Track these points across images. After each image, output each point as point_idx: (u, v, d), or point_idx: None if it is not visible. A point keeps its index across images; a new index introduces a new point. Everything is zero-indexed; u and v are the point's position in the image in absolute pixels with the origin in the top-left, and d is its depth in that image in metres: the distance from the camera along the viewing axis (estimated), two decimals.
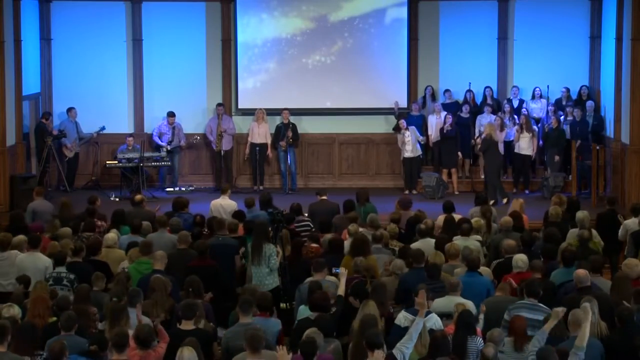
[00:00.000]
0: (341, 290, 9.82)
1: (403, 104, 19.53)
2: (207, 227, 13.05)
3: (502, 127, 18.30)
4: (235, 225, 12.63)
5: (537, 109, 19.19)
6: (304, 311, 9.59)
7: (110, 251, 11.81)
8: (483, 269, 11.08)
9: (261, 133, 19.12)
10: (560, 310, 8.46)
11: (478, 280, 10.44)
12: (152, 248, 11.36)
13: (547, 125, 18.52)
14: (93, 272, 10.67)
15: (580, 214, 12.73)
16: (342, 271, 10.04)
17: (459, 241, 11.92)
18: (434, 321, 9.05)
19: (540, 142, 18.72)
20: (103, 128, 19.22)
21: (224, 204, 14.36)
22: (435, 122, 18.80)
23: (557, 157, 18.31)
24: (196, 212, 13.95)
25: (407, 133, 18.46)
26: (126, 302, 9.22)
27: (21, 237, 11.95)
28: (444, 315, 9.38)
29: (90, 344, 8.47)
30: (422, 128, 19.03)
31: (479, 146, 18.01)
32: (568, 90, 19.12)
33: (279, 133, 19.02)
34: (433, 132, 18.82)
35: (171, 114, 19.09)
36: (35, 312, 9.28)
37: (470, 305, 9.58)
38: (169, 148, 18.92)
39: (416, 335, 8.20)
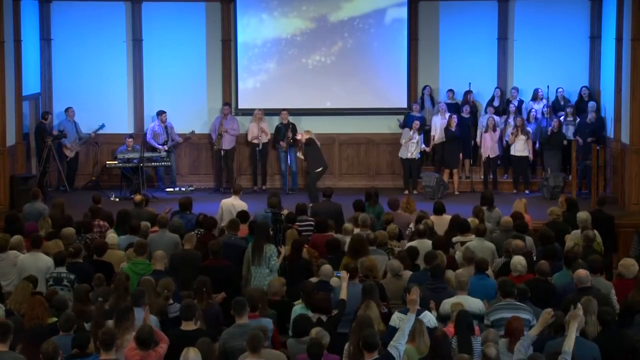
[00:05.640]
0: (343, 294, 9.81)
1: (403, 104, 19.53)
2: (205, 226, 12.89)
3: (494, 128, 18.36)
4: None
5: (540, 109, 19.16)
6: (300, 312, 9.58)
7: (111, 252, 11.75)
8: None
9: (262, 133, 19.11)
10: (549, 312, 8.25)
11: (487, 283, 10.45)
12: (147, 248, 11.35)
13: (551, 129, 18.45)
14: (94, 272, 10.68)
15: (582, 215, 12.67)
16: (343, 275, 10.02)
17: (475, 242, 11.87)
18: (428, 319, 9.04)
19: (537, 145, 18.72)
20: (102, 126, 19.18)
21: (236, 204, 14.23)
22: (440, 122, 18.75)
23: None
24: (199, 212, 13.83)
25: (417, 136, 18.43)
26: (130, 303, 9.18)
27: (19, 238, 11.94)
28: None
29: (76, 345, 8.43)
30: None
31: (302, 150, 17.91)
32: (563, 90, 19.14)
33: (279, 133, 19.01)
34: (437, 133, 18.77)
35: (162, 112, 19.03)
36: (34, 314, 9.23)
37: (479, 304, 9.61)
38: (166, 148, 18.89)
39: (408, 331, 8.15)
